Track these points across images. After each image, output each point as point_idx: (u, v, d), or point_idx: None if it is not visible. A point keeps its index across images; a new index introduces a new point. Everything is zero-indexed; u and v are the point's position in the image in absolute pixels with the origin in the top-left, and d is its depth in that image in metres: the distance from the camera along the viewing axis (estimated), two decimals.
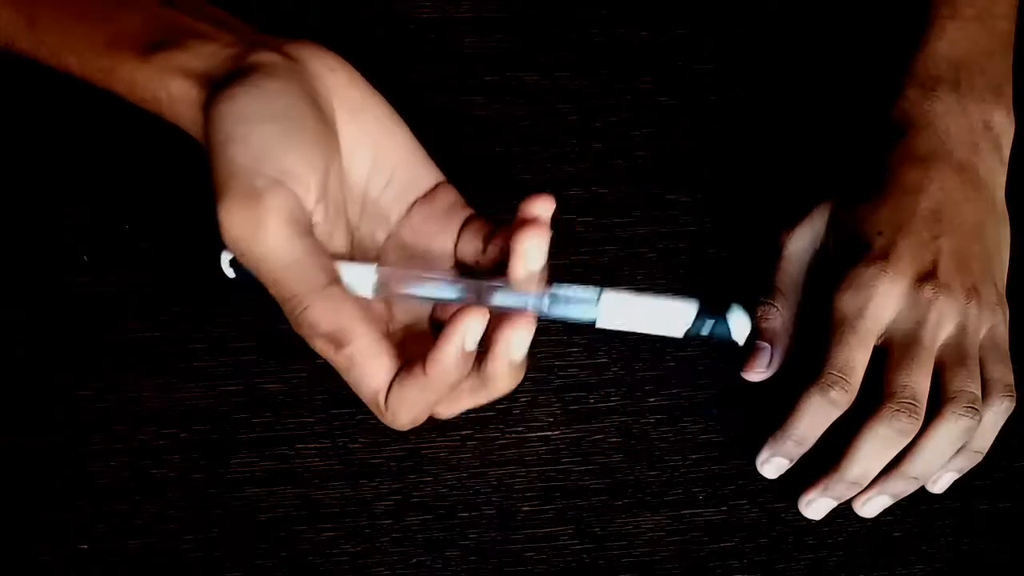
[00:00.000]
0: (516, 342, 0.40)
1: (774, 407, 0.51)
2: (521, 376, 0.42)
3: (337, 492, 0.49)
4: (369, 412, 0.50)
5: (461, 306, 0.39)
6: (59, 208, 0.52)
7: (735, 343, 0.44)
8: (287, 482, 0.49)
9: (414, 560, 0.48)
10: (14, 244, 0.50)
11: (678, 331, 0.43)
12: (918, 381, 0.49)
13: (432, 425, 0.50)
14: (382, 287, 0.42)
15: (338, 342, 0.39)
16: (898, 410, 0.48)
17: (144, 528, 0.47)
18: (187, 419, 0.49)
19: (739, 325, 0.44)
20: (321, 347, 0.40)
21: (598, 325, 0.43)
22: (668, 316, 0.43)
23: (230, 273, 0.43)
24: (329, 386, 0.50)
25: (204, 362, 0.50)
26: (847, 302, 0.50)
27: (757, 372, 0.53)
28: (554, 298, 0.42)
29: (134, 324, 0.50)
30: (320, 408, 0.50)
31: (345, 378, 0.41)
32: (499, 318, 0.39)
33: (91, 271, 0.50)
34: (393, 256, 0.45)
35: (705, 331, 0.44)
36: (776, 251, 0.55)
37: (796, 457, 0.51)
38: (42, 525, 0.46)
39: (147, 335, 0.50)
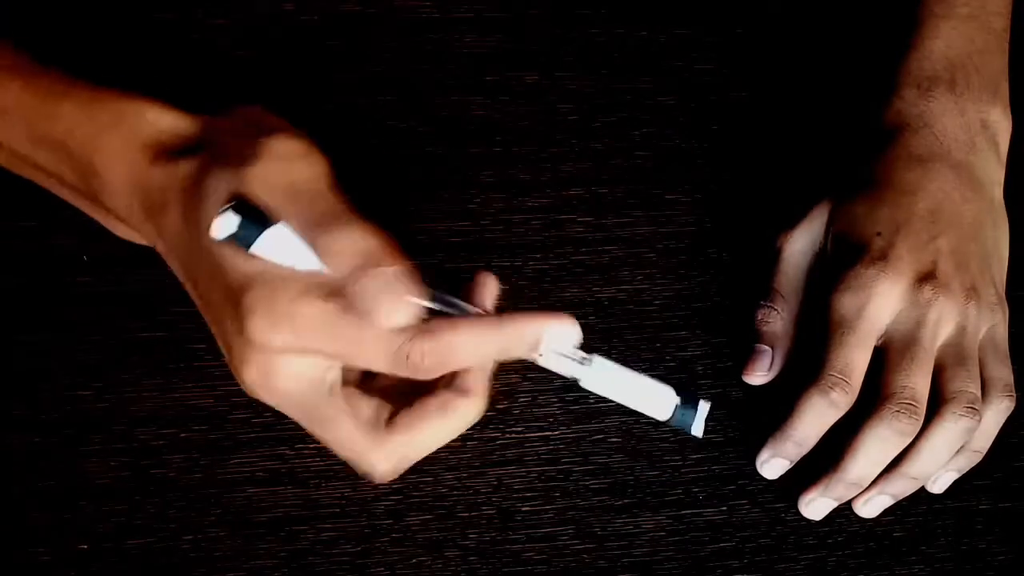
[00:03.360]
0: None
1: (774, 407, 0.51)
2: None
3: (337, 492, 0.49)
4: None
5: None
6: (59, 208, 0.51)
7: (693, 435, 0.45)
8: (287, 482, 0.49)
9: (414, 560, 0.48)
10: (15, 244, 0.50)
11: (661, 417, 0.44)
12: (918, 382, 0.49)
13: None
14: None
15: None
16: (898, 411, 0.48)
17: (144, 528, 0.47)
18: (187, 419, 0.49)
19: (700, 420, 0.45)
20: None
21: (583, 387, 0.44)
22: (651, 398, 0.44)
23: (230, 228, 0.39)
24: None
25: (204, 362, 0.50)
26: (846, 303, 0.50)
27: (757, 375, 0.53)
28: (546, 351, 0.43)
29: (134, 324, 0.50)
30: None
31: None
32: None
33: (91, 271, 0.50)
34: None
35: (683, 422, 0.45)
36: (775, 253, 0.55)
37: (796, 458, 0.51)
38: (42, 525, 0.46)
39: (147, 335, 0.50)
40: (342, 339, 0.37)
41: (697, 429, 0.45)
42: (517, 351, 0.39)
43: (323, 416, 0.39)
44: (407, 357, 0.37)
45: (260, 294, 0.36)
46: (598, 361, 0.43)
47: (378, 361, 0.37)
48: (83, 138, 0.41)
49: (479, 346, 0.38)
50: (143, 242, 0.43)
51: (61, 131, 0.41)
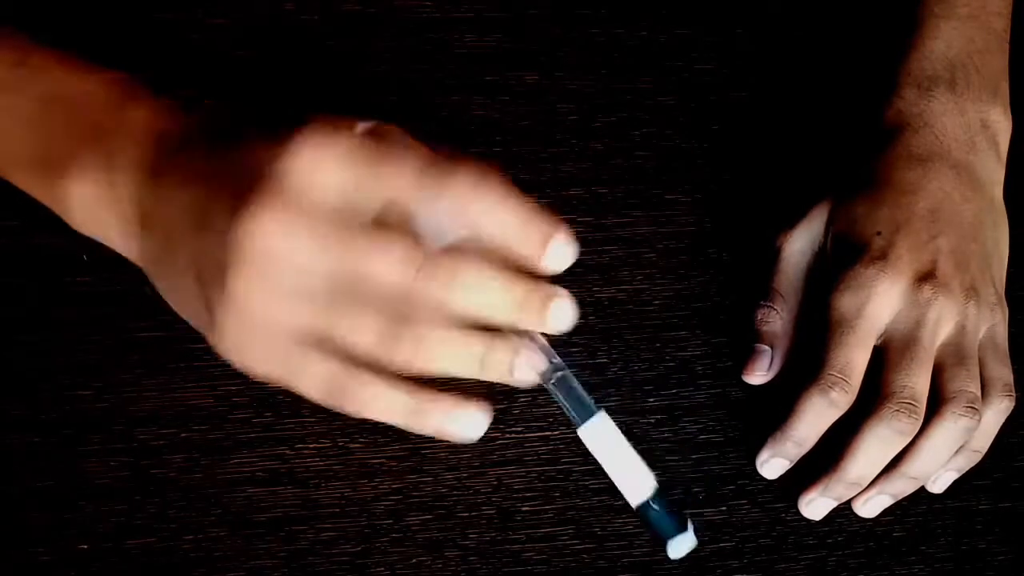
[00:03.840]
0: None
1: (774, 407, 0.51)
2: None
3: (337, 492, 0.49)
4: None
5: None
6: None
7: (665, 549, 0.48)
8: (287, 482, 0.49)
9: (414, 560, 0.48)
10: (14, 244, 0.50)
11: (632, 500, 0.47)
12: (917, 381, 0.49)
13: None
14: None
15: None
16: (898, 410, 0.48)
17: (144, 528, 0.47)
18: (187, 419, 0.49)
19: (678, 547, 0.48)
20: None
21: (578, 433, 0.45)
22: (632, 480, 0.47)
23: None
24: None
25: (204, 362, 0.50)
26: (846, 303, 0.50)
27: (757, 375, 0.53)
28: (562, 380, 0.43)
29: (134, 324, 0.50)
30: (320, 408, 0.50)
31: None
32: None
33: (91, 271, 0.50)
34: None
35: (652, 517, 0.48)
36: (774, 253, 0.55)
37: (796, 458, 0.51)
38: (42, 525, 0.46)
39: (147, 335, 0.50)
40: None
41: (674, 551, 0.48)
42: (529, 238, 0.37)
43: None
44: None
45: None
46: (600, 419, 0.45)
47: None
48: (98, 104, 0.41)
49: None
50: (98, 232, 0.42)
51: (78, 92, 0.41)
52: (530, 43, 0.60)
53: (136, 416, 0.48)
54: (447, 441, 0.50)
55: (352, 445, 0.50)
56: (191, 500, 0.48)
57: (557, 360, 0.46)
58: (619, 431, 0.45)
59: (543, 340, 0.45)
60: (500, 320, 0.37)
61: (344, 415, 0.50)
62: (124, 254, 0.43)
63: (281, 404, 0.50)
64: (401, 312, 0.36)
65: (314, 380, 0.38)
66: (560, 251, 0.37)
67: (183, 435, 0.48)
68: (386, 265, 0.35)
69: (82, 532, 0.46)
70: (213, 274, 0.36)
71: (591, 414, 0.44)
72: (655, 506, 0.47)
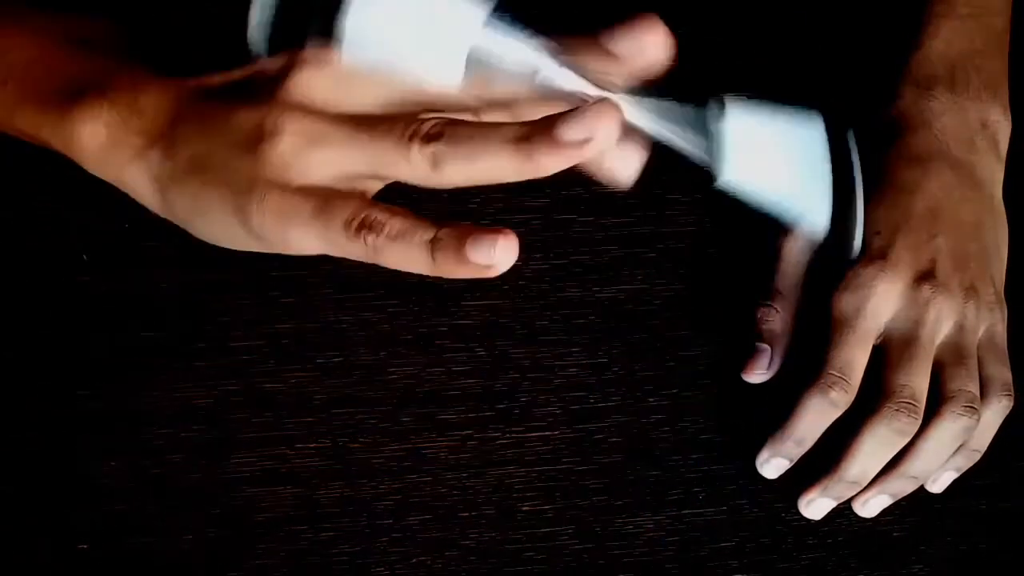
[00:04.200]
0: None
1: (774, 407, 0.51)
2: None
3: (337, 492, 0.49)
4: (369, 412, 0.50)
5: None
6: (59, 208, 0.52)
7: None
8: (287, 482, 0.49)
9: (414, 560, 0.48)
10: (14, 244, 0.50)
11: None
12: (917, 381, 0.49)
13: (432, 425, 0.50)
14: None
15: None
16: (897, 410, 0.48)
17: (144, 528, 0.47)
18: (187, 419, 0.49)
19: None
20: None
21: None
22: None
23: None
24: (329, 386, 0.50)
25: (204, 362, 0.50)
26: (846, 302, 0.50)
27: (757, 374, 0.53)
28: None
29: (134, 324, 0.50)
30: (320, 408, 0.50)
31: None
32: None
33: (91, 271, 0.50)
34: None
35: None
36: (774, 252, 0.55)
37: (796, 457, 0.51)
38: (42, 525, 0.46)
39: (147, 335, 0.50)
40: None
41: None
42: None
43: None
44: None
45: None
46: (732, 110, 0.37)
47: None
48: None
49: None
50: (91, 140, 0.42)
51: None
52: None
53: (136, 416, 0.48)
54: (446, 441, 0.50)
55: (352, 445, 0.50)
56: (191, 500, 0.48)
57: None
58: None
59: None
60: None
61: (344, 416, 0.50)
62: (133, 182, 0.42)
63: (281, 404, 0.50)
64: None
65: (349, 221, 0.38)
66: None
67: (183, 435, 0.48)
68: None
69: (82, 532, 0.46)
70: (254, 130, 0.38)
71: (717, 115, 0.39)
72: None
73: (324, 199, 0.38)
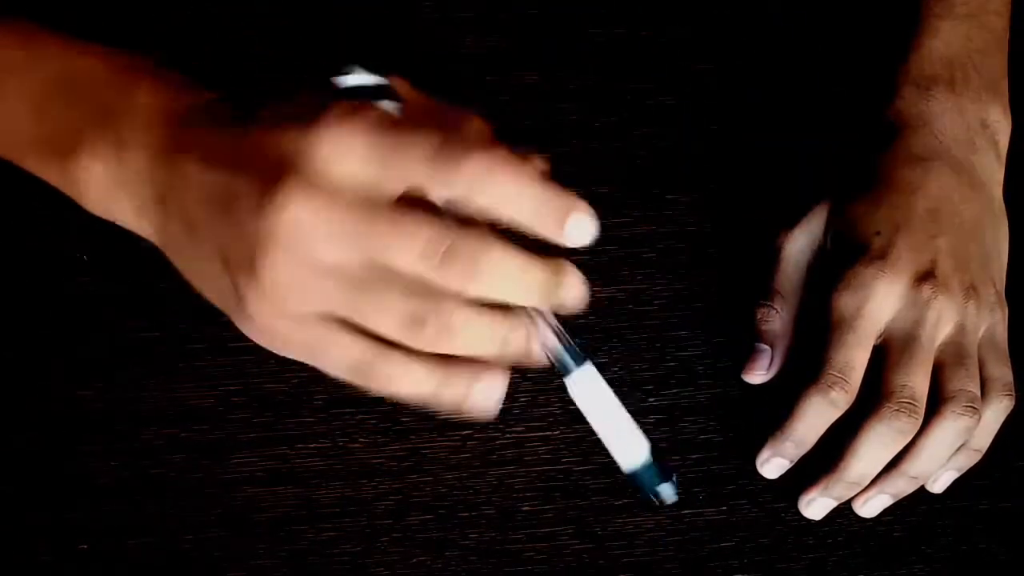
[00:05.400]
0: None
1: (774, 407, 0.51)
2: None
3: (337, 492, 0.49)
4: (369, 412, 0.50)
5: None
6: (59, 208, 0.51)
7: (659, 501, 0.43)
8: (287, 482, 0.49)
9: (414, 560, 0.48)
10: (14, 244, 0.50)
11: (624, 464, 0.42)
12: (917, 380, 0.49)
13: (432, 425, 0.51)
14: None
15: None
16: (897, 410, 0.48)
17: (144, 528, 0.47)
18: (187, 419, 0.49)
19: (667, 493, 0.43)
20: None
21: (567, 383, 0.42)
22: (623, 442, 0.42)
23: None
24: (329, 386, 0.50)
25: (204, 362, 0.50)
26: (845, 302, 0.50)
27: (757, 374, 0.53)
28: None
29: (134, 324, 0.50)
30: (320, 408, 0.50)
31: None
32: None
33: (91, 271, 0.50)
34: None
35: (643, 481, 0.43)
36: (774, 252, 0.55)
37: (796, 457, 0.51)
38: (42, 525, 0.46)
39: (147, 335, 0.50)
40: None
41: (668, 494, 0.42)
42: (546, 218, 0.37)
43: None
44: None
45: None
46: (589, 370, 0.41)
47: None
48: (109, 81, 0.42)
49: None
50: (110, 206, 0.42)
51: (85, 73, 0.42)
52: (530, 43, 0.60)
53: (136, 416, 0.48)
54: (446, 441, 0.50)
55: (352, 445, 0.50)
56: (191, 500, 0.48)
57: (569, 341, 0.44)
58: (604, 388, 0.42)
59: (555, 320, 0.44)
60: (519, 302, 0.38)
61: (344, 416, 0.50)
62: (140, 233, 0.42)
63: (281, 404, 0.50)
64: (425, 295, 0.36)
65: (341, 359, 0.38)
66: (579, 226, 0.37)
67: (183, 435, 0.49)
68: (409, 251, 0.36)
69: (82, 532, 0.46)
70: (240, 257, 0.37)
71: (578, 363, 0.42)
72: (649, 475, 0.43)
73: (317, 343, 0.38)
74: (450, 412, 0.39)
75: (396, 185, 0.36)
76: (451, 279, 0.36)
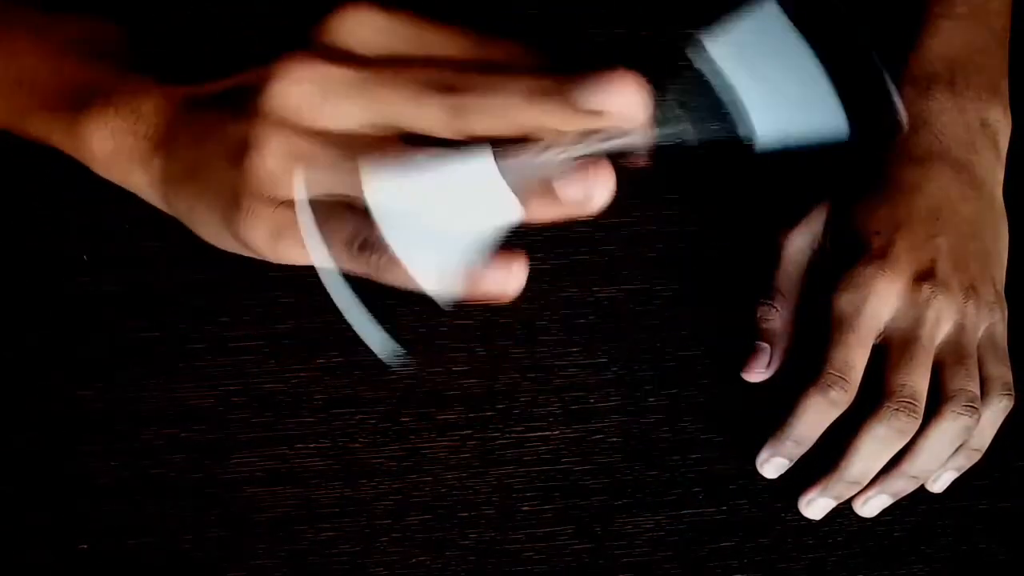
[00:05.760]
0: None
1: (774, 407, 0.51)
2: None
3: (336, 492, 0.49)
4: (369, 412, 0.50)
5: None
6: (59, 208, 0.52)
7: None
8: (286, 482, 0.49)
9: (414, 560, 0.48)
10: (14, 244, 0.50)
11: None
12: (917, 380, 0.49)
13: (432, 425, 0.51)
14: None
15: None
16: (897, 409, 0.48)
17: (144, 528, 0.47)
18: (187, 419, 0.49)
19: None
20: None
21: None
22: None
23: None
24: (329, 386, 0.50)
25: (204, 362, 0.50)
26: (845, 302, 0.50)
27: (756, 372, 0.53)
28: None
29: (134, 324, 0.50)
30: (320, 408, 0.50)
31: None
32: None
33: (91, 271, 0.50)
34: None
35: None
36: (775, 252, 0.55)
37: (796, 457, 0.51)
38: (42, 525, 0.46)
39: (147, 335, 0.50)
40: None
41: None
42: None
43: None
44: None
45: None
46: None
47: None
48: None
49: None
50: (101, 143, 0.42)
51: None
52: (530, 43, 0.60)
53: (136, 416, 0.48)
54: (446, 441, 0.50)
55: (352, 445, 0.50)
56: (191, 500, 0.48)
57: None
58: None
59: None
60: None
61: (344, 416, 0.50)
62: (141, 189, 0.42)
63: (281, 404, 0.50)
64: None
65: (341, 231, 0.37)
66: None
67: (183, 435, 0.49)
68: (418, 94, 0.36)
69: (82, 532, 0.46)
70: (243, 137, 0.37)
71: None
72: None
73: (319, 215, 0.37)
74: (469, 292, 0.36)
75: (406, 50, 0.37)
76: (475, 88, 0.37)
